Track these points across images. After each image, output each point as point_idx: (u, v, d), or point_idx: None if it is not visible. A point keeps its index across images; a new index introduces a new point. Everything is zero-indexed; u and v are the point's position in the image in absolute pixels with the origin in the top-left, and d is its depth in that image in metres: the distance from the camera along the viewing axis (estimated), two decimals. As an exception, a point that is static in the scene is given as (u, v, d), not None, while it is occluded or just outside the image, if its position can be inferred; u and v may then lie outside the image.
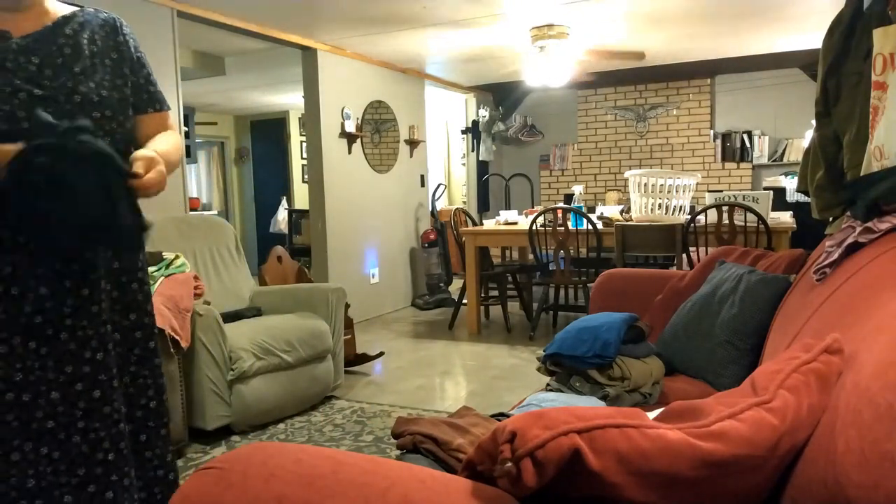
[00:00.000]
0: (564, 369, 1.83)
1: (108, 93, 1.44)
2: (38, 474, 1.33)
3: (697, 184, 4.55)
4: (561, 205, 5.03)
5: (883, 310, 0.90)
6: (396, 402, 3.45)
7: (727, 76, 7.11)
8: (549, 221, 4.52)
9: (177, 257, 3.05)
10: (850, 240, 1.34)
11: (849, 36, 1.67)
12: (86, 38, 1.45)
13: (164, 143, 1.51)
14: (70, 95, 1.38)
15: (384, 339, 4.89)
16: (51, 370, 1.35)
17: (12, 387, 1.31)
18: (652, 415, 0.81)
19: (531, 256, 4.87)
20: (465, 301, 5.11)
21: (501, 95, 7.86)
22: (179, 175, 4.00)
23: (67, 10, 1.47)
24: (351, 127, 5.46)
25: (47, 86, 1.35)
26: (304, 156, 7.49)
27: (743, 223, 3.93)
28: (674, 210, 4.28)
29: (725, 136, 7.17)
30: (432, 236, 6.31)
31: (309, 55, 5.13)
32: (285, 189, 8.92)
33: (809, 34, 5.27)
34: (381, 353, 4.28)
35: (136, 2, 3.71)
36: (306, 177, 6.49)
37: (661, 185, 4.24)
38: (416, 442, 1.41)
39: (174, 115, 3.91)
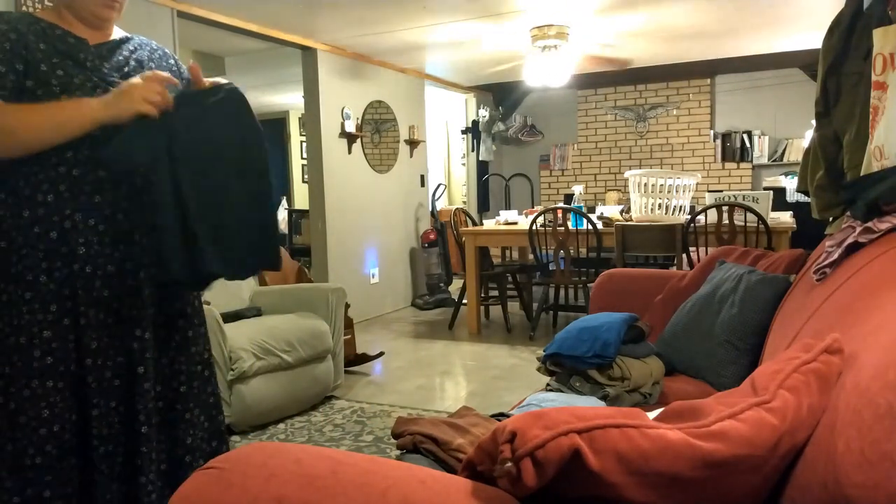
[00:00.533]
0: (564, 369, 1.83)
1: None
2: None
3: (697, 184, 4.55)
4: (561, 205, 5.03)
5: (883, 310, 0.90)
6: (396, 402, 3.45)
7: (727, 76, 7.11)
8: (549, 221, 4.52)
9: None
10: (850, 240, 1.33)
11: (849, 36, 1.67)
12: (145, 55, 1.61)
13: None
14: None
15: (384, 339, 4.89)
16: (115, 340, 1.49)
17: (88, 354, 1.45)
18: (652, 415, 0.81)
19: (531, 256, 4.87)
20: (465, 301, 5.11)
21: (501, 95, 7.86)
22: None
23: (124, 34, 1.63)
24: (351, 127, 5.45)
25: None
26: (304, 156, 7.49)
27: (743, 223, 3.93)
28: (674, 210, 4.28)
29: (725, 136, 7.17)
30: (432, 236, 6.31)
31: (309, 55, 5.13)
32: (285, 189, 8.92)
33: (809, 34, 5.27)
34: (381, 353, 4.28)
35: (136, 2, 3.70)
36: (306, 177, 6.49)
37: (661, 185, 4.24)
38: (416, 442, 1.41)
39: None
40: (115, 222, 1.47)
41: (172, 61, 1.68)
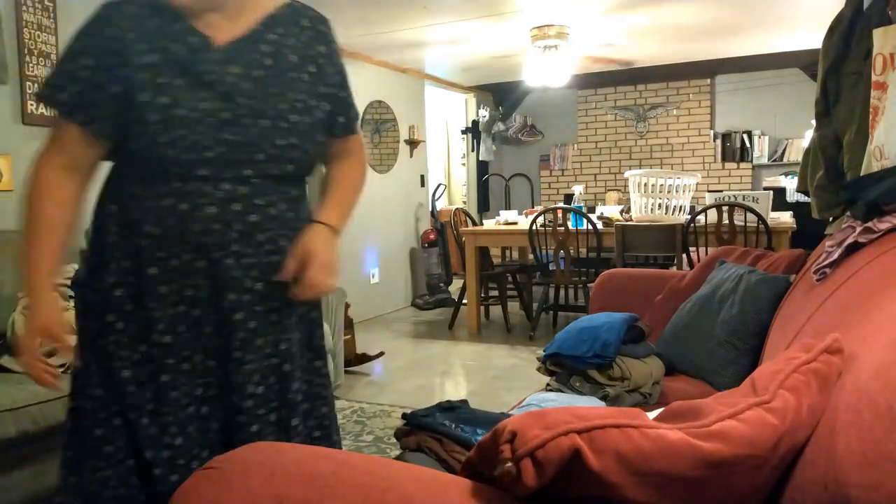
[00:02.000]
0: (564, 369, 1.83)
1: (300, 117, 1.28)
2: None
3: (697, 184, 4.55)
4: (561, 205, 5.03)
5: (883, 310, 0.90)
6: (396, 402, 3.44)
7: (727, 76, 7.11)
8: (549, 221, 4.52)
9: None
10: (850, 240, 1.33)
11: (849, 36, 1.67)
12: (289, 45, 1.29)
13: (341, 193, 1.42)
14: (258, 118, 1.23)
15: (384, 339, 4.89)
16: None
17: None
18: (652, 415, 0.81)
19: (531, 256, 4.87)
20: (465, 301, 5.10)
21: (501, 95, 7.86)
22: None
23: (276, 4, 1.31)
24: (351, 127, 5.45)
25: (241, 104, 1.21)
26: (304, 156, 7.48)
27: (743, 223, 3.93)
28: (674, 210, 4.28)
29: (725, 136, 7.17)
30: (432, 236, 6.31)
31: (309, 55, 5.12)
32: (285, 189, 8.92)
33: (809, 34, 5.27)
34: (381, 353, 4.28)
35: (136, 2, 3.70)
36: (306, 177, 6.49)
37: (661, 185, 4.24)
38: (420, 442, 1.41)
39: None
40: None
41: (323, 48, 1.37)
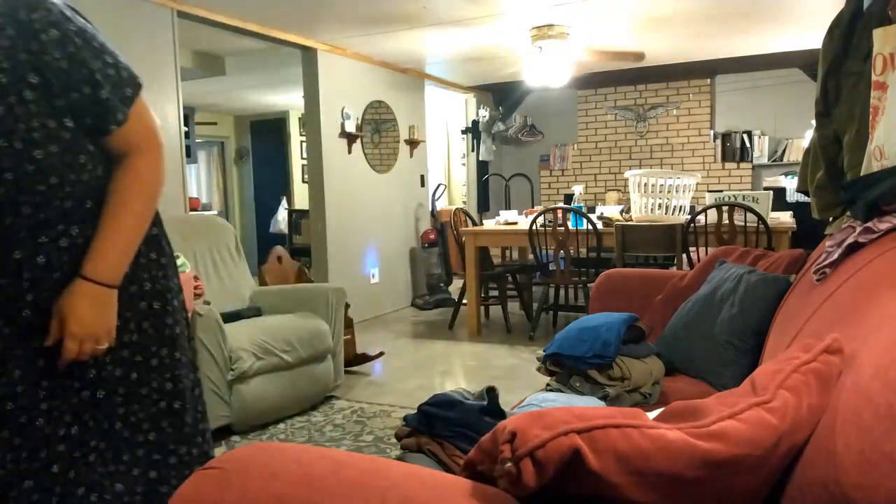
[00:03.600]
0: (564, 369, 1.83)
1: (44, 149, 1.14)
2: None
3: (697, 184, 4.55)
4: (561, 205, 5.03)
5: (883, 310, 0.90)
6: (396, 402, 3.45)
7: (727, 76, 7.11)
8: (549, 221, 4.52)
9: (177, 257, 3.05)
10: (850, 240, 1.33)
11: (849, 36, 1.67)
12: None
13: (108, 226, 1.22)
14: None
15: (384, 339, 4.89)
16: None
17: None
18: (652, 415, 0.81)
19: (531, 256, 4.87)
20: (465, 301, 5.10)
21: (501, 95, 7.86)
22: (179, 175, 4.00)
23: None
24: (351, 127, 5.45)
25: None
26: (304, 156, 7.49)
27: (743, 223, 3.93)
28: (674, 210, 4.28)
29: (725, 136, 7.17)
30: (432, 236, 6.31)
31: (309, 55, 5.13)
32: (285, 189, 8.92)
33: (809, 34, 5.27)
34: (381, 353, 4.28)
35: (136, 1, 3.71)
36: (306, 177, 6.49)
37: (661, 185, 4.24)
38: (420, 444, 1.41)
39: (174, 117, 3.92)
40: None
41: (37, 45, 1.11)
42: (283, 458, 0.78)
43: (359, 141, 5.61)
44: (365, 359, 4.14)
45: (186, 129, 5.94)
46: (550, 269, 4.67)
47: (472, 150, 7.74)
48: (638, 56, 5.17)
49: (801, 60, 6.34)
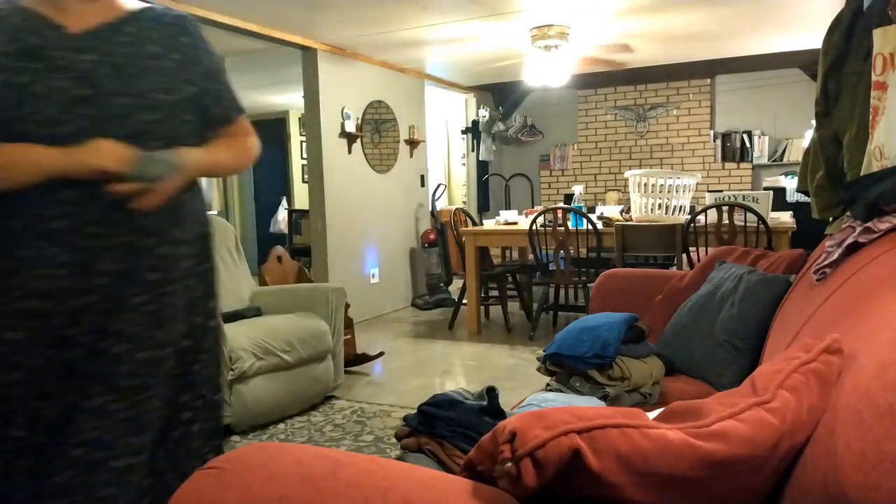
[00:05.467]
0: (564, 369, 1.83)
1: (165, 96, 1.37)
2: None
3: (697, 184, 4.55)
4: (561, 205, 5.03)
5: (883, 310, 0.90)
6: (396, 402, 3.44)
7: (727, 76, 7.10)
8: (549, 221, 4.52)
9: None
10: (850, 240, 1.33)
11: (849, 36, 1.67)
12: (150, 36, 1.39)
13: (211, 150, 1.50)
14: (117, 97, 1.32)
15: (384, 339, 4.89)
16: None
17: None
18: (652, 415, 0.81)
19: (531, 256, 4.87)
20: (465, 301, 5.10)
21: (501, 95, 7.86)
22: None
23: (137, 6, 1.41)
24: (351, 127, 5.45)
25: (98, 85, 1.30)
26: (304, 156, 7.49)
27: (743, 223, 3.93)
28: (674, 210, 4.28)
29: (725, 136, 7.17)
30: (432, 236, 6.31)
31: (309, 55, 5.13)
32: (285, 189, 8.92)
33: (809, 34, 5.27)
34: (381, 353, 4.28)
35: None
36: (306, 177, 6.49)
37: (661, 185, 4.24)
38: (420, 444, 1.41)
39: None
40: None
41: (187, 38, 1.44)
42: (283, 457, 0.78)
43: (359, 141, 5.61)
44: (365, 359, 4.14)
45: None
46: (550, 269, 4.67)
47: (472, 150, 7.74)
48: (619, 64, 5.15)
49: (801, 60, 6.34)
